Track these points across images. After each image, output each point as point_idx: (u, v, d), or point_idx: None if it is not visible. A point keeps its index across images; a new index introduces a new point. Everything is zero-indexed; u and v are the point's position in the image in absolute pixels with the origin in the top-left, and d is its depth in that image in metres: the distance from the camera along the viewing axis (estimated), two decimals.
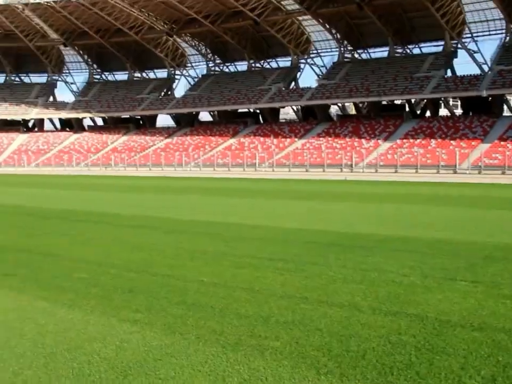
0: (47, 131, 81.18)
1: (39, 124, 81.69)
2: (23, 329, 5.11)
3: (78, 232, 11.52)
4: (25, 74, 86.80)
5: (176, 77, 79.76)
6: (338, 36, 66.17)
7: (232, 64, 76.43)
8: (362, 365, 4.19)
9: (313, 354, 4.41)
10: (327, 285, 6.70)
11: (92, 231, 11.84)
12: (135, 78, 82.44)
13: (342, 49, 67.48)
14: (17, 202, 19.52)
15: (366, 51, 68.26)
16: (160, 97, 76.47)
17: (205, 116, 76.12)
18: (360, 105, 65.98)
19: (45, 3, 65.45)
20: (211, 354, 4.46)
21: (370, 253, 8.74)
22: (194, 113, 72.79)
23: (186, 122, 71.71)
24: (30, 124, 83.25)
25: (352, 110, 73.49)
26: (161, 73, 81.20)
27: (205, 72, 77.18)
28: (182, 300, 6.11)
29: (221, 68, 77.32)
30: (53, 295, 6.32)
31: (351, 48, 67.75)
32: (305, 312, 5.56)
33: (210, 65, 76.73)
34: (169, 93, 78.76)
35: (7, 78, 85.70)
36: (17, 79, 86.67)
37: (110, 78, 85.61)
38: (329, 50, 69.52)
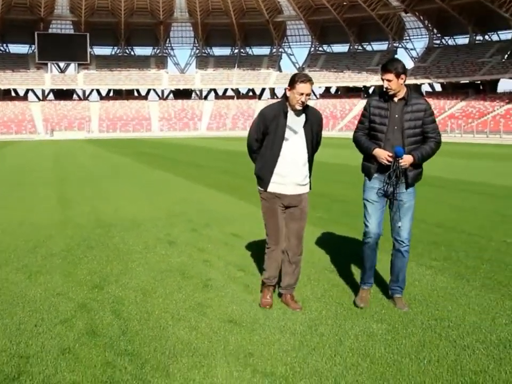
0: None
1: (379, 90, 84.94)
2: None
3: None
4: (367, 43, 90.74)
5: None
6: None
7: None
8: None
9: None
10: None
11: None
12: (476, 42, 79.48)
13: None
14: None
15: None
16: (503, 60, 72.34)
17: None
18: None
19: None
20: (489, 299, 4.89)
21: None
22: None
23: None
24: (371, 90, 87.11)
25: None
26: (505, 35, 76.65)
27: None
28: (479, 255, 6.51)
29: None
30: None
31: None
32: None
33: None
34: None
35: (351, 47, 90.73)
36: (360, 47, 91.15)
37: (450, 42, 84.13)
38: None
